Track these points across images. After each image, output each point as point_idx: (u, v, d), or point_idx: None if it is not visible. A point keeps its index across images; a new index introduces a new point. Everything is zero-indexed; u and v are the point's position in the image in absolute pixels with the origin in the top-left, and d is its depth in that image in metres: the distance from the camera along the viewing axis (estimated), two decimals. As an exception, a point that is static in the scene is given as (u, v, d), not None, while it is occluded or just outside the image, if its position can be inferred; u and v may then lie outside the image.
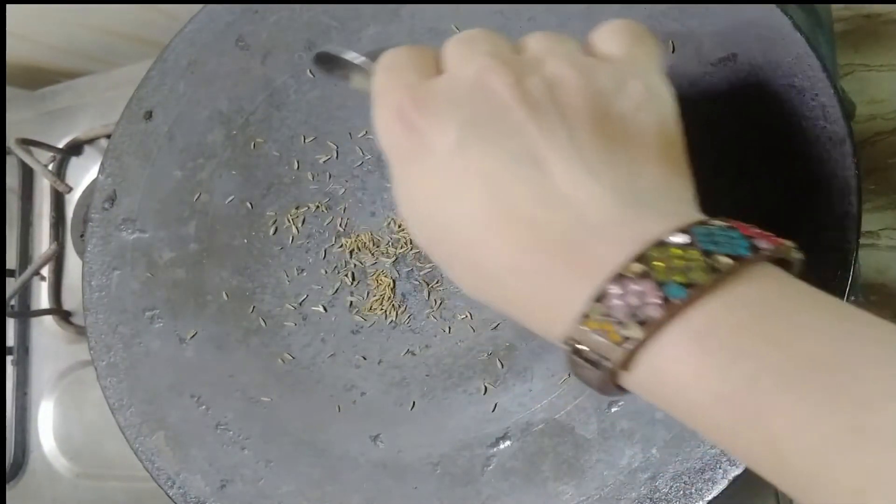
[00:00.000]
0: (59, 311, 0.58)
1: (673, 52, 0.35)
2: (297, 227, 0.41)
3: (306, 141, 0.42)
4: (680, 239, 0.19)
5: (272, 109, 0.43)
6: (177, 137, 0.45)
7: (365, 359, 0.38)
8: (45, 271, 0.58)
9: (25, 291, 0.59)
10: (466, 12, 0.39)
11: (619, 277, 0.19)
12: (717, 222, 0.20)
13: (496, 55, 0.23)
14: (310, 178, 0.42)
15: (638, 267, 0.19)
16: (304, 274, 0.41)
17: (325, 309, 0.40)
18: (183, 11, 0.49)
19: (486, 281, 0.22)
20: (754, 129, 0.33)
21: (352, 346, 0.39)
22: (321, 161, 0.41)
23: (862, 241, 0.31)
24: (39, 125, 0.62)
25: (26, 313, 0.59)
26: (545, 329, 0.22)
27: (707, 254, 0.19)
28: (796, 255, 0.21)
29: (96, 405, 0.54)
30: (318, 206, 0.41)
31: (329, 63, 0.36)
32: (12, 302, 0.58)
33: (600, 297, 0.19)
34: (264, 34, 0.44)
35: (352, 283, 0.40)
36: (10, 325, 0.59)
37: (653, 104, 0.23)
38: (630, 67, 0.23)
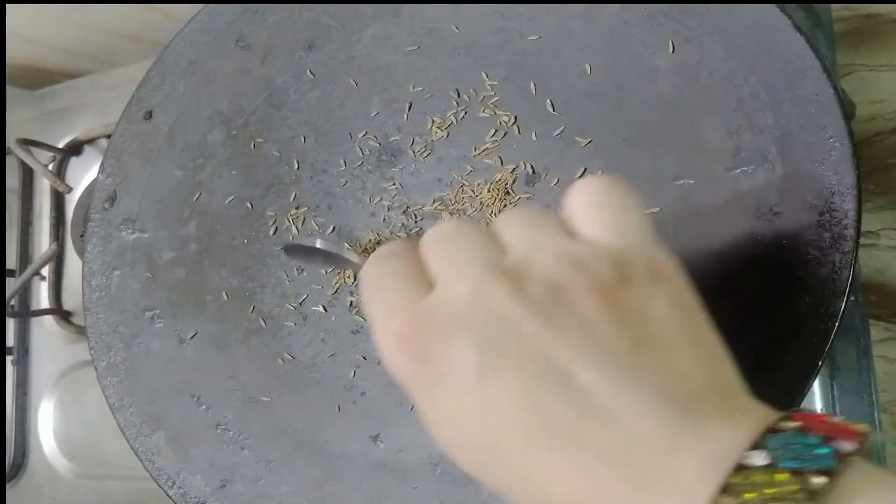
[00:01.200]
0: (59, 311, 0.58)
1: (673, 52, 0.35)
2: (297, 227, 0.41)
3: (306, 141, 0.42)
4: (759, 461, 0.18)
5: (272, 109, 0.43)
6: (177, 137, 0.45)
7: (365, 359, 0.38)
8: (45, 271, 0.59)
9: (25, 291, 0.59)
10: (466, 12, 0.39)
11: None
12: (787, 424, 0.19)
13: (484, 264, 0.21)
14: (310, 178, 0.42)
15: (730, 502, 0.17)
16: (304, 274, 0.41)
17: (325, 309, 0.40)
18: (183, 11, 0.49)
19: None
20: (754, 128, 0.33)
21: (352, 346, 0.39)
22: (321, 161, 0.41)
23: (862, 241, 0.31)
24: (39, 125, 0.62)
25: (26, 313, 0.59)
26: None
27: (796, 473, 0.17)
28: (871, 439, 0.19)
29: (96, 405, 0.54)
30: (318, 206, 0.41)
31: (301, 253, 0.37)
32: (12, 302, 0.58)
33: None
34: (264, 34, 0.44)
35: (352, 283, 0.40)
36: (10, 325, 0.59)
37: (665, 289, 0.21)
38: (625, 250, 0.22)
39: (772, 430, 0.18)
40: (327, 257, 0.35)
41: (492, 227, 0.24)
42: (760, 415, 0.19)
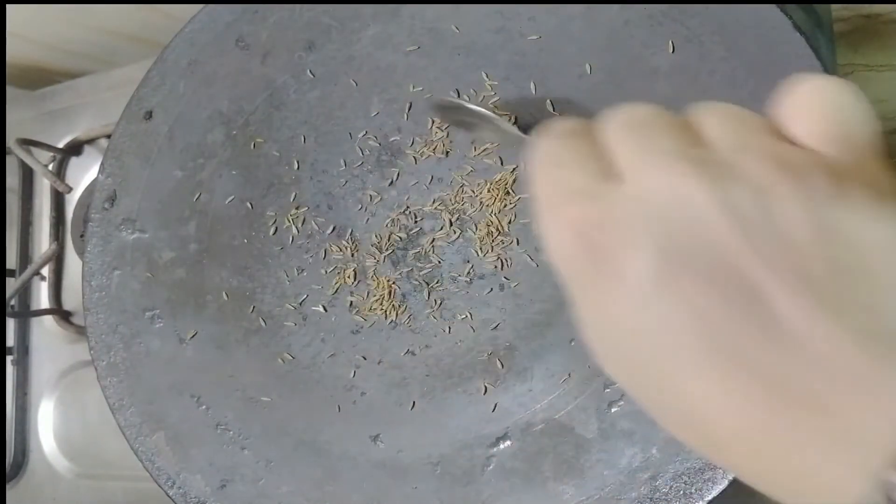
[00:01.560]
0: (59, 311, 0.58)
1: (673, 52, 0.35)
2: (297, 227, 0.41)
3: (306, 141, 0.42)
4: None
5: (272, 109, 0.43)
6: (177, 137, 0.45)
7: (365, 359, 0.38)
8: (45, 271, 0.58)
9: (25, 291, 0.59)
10: (466, 12, 0.39)
11: None
12: None
13: (684, 156, 0.19)
14: (310, 178, 0.42)
15: None
16: (304, 274, 0.41)
17: (325, 309, 0.40)
18: (183, 11, 0.49)
19: (704, 434, 0.19)
20: (754, 129, 0.33)
21: (352, 346, 0.39)
22: (321, 161, 0.41)
23: (862, 241, 0.31)
24: (39, 125, 0.62)
25: (26, 313, 0.59)
26: (791, 499, 0.18)
27: None
28: None
29: (96, 405, 0.54)
30: (318, 206, 0.41)
31: (451, 111, 0.35)
32: (12, 302, 0.58)
33: (880, 484, 0.16)
34: (264, 34, 0.44)
35: (352, 283, 0.40)
36: (10, 325, 0.59)
37: (884, 215, 0.18)
38: (851, 166, 0.19)
39: None
40: (481, 119, 0.33)
41: (690, 118, 0.21)
42: None
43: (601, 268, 0.19)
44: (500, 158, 0.37)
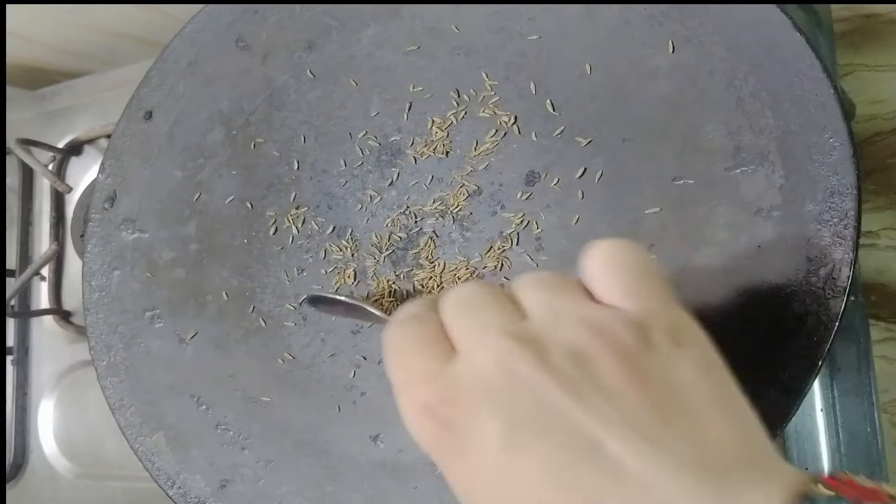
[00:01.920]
0: (59, 311, 0.58)
1: (673, 52, 0.35)
2: (297, 227, 0.41)
3: (306, 141, 0.42)
4: None
5: (272, 109, 0.43)
6: (177, 137, 0.45)
7: (365, 359, 0.38)
8: (45, 271, 0.58)
9: (25, 291, 0.59)
10: (466, 12, 0.39)
11: None
12: (819, 490, 0.19)
13: (506, 331, 0.21)
14: (310, 178, 0.42)
15: None
16: (304, 274, 0.41)
17: (325, 309, 0.40)
18: (183, 11, 0.49)
19: None
20: (754, 128, 0.33)
21: (352, 346, 0.39)
22: (321, 161, 0.41)
23: (862, 241, 0.31)
24: (39, 125, 0.62)
25: (26, 313, 0.59)
26: None
27: None
28: None
29: (96, 405, 0.54)
30: (318, 206, 0.41)
31: (324, 304, 0.38)
32: (12, 302, 0.58)
33: None
34: (264, 34, 0.44)
35: (352, 283, 0.40)
36: (10, 325, 0.59)
37: (688, 353, 0.21)
38: (647, 314, 0.22)
39: (806, 497, 0.18)
40: (350, 309, 0.36)
41: (510, 291, 0.24)
42: (793, 480, 0.19)
43: (456, 438, 0.21)
44: (500, 158, 0.38)
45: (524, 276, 0.24)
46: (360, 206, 0.40)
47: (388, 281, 0.39)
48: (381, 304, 0.39)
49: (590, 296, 0.23)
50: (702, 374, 0.21)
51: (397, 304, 0.38)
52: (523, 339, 0.21)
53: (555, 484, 0.19)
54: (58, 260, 0.59)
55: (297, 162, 0.42)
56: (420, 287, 0.38)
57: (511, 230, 0.37)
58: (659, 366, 0.20)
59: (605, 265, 0.23)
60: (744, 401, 0.21)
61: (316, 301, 0.38)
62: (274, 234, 0.42)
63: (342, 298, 0.36)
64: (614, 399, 0.20)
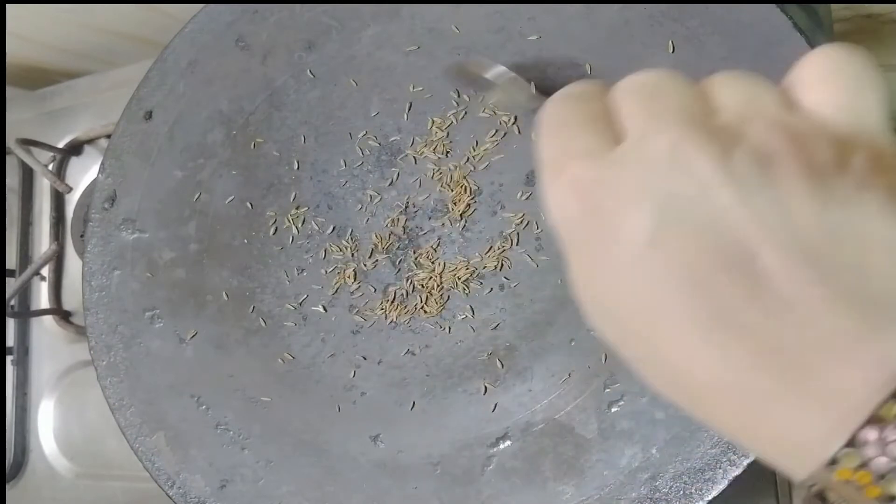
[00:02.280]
0: (59, 311, 0.58)
1: (673, 52, 0.35)
2: (297, 227, 0.41)
3: (306, 141, 0.42)
4: None
5: (272, 109, 0.43)
6: (177, 137, 0.45)
7: (365, 359, 0.38)
8: (45, 271, 0.58)
9: (25, 291, 0.59)
10: (466, 12, 0.39)
11: (877, 421, 0.16)
12: None
13: (690, 119, 0.19)
14: (310, 178, 0.42)
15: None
16: (304, 274, 0.41)
17: (325, 309, 0.40)
18: (183, 11, 0.49)
19: (689, 392, 0.19)
20: (754, 129, 0.33)
21: (352, 346, 0.39)
22: (321, 161, 0.41)
23: (862, 240, 0.31)
24: (39, 125, 0.62)
25: (26, 313, 0.59)
26: (769, 456, 0.19)
27: None
28: None
29: (96, 405, 0.54)
30: (318, 206, 0.41)
31: (469, 74, 0.34)
32: (12, 302, 0.58)
33: (853, 443, 0.17)
34: (264, 34, 0.44)
35: (352, 283, 0.40)
36: (10, 325, 0.59)
37: (882, 185, 0.19)
38: (853, 133, 0.19)
39: None
40: (501, 84, 0.32)
41: (703, 84, 0.21)
42: None
43: (599, 226, 0.19)
44: (500, 158, 0.38)
45: (720, 74, 0.21)
46: (360, 206, 0.40)
47: (388, 281, 0.39)
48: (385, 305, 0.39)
49: (795, 104, 0.20)
50: (887, 213, 0.18)
51: (396, 306, 0.39)
52: (709, 132, 0.19)
53: (690, 292, 0.18)
54: (58, 260, 0.59)
55: (297, 162, 0.42)
56: (420, 287, 0.38)
57: (511, 230, 0.37)
58: (847, 192, 0.18)
59: (823, 68, 0.20)
60: None
61: (460, 72, 0.34)
62: (274, 234, 0.42)
63: (493, 68, 0.31)
64: (787, 215, 0.18)
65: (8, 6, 0.56)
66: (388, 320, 0.38)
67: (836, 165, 0.18)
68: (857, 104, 0.20)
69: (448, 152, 0.39)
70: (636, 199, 0.19)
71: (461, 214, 0.38)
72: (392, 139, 0.40)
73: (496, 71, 0.32)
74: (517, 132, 0.37)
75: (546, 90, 0.33)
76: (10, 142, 0.57)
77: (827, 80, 0.20)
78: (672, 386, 0.20)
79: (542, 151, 0.21)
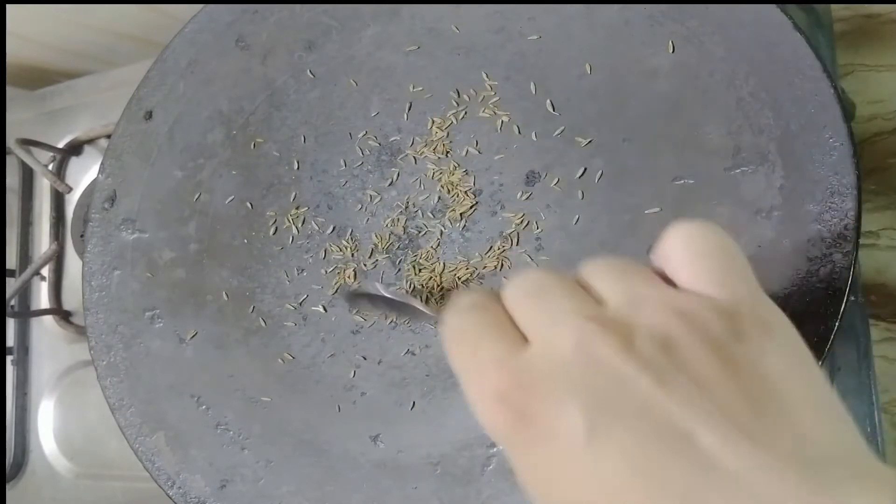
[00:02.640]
0: (59, 311, 0.58)
1: (673, 52, 0.35)
2: (297, 227, 0.41)
3: (306, 141, 0.42)
4: None
5: (272, 109, 0.43)
6: (177, 137, 0.45)
7: (365, 359, 0.38)
8: (45, 271, 0.58)
9: (25, 291, 0.59)
10: (466, 12, 0.39)
11: None
12: None
13: (584, 315, 0.20)
14: (310, 178, 0.42)
15: None
16: (304, 274, 0.41)
17: (325, 309, 0.40)
18: (183, 11, 0.49)
19: None
20: (754, 128, 0.33)
21: (352, 346, 0.39)
22: (321, 161, 0.41)
23: (862, 241, 0.31)
24: (39, 125, 0.62)
25: (26, 313, 0.59)
26: None
27: None
28: None
29: (96, 405, 0.54)
30: (318, 206, 0.41)
31: (363, 301, 0.36)
32: (12, 302, 0.58)
33: None
34: (264, 34, 0.44)
35: (352, 283, 0.40)
36: (10, 325, 0.59)
37: (779, 344, 0.20)
38: (735, 302, 0.20)
39: None
40: (392, 305, 0.34)
41: (580, 278, 0.22)
42: (892, 478, 0.18)
43: (531, 429, 0.20)
44: (500, 158, 0.38)
45: (589, 263, 0.22)
46: (360, 206, 0.40)
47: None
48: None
49: (669, 284, 0.21)
50: (793, 366, 0.20)
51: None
52: (605, 323, 0.20)
53: (642, 477, 0.18)
54: (58, 260, 0.59)
55: (297, 162, 0.42)
56: (420, 287, 0.38)
57: (511, 230, 0.37)
58: (750, 357, 0.19)
59: (688, 249, 0.22)
60: (835, 395, 0.20)
61: (354, 298, 0.37)
62: (274, 234, 0.42)
63: (386, 294, 0.33)
64: (706, 389, 0.18)
65: (8, 6, 0.56)
66: (388, 320, 0.38)
67: (732, 335, 0.19)
68: (728, 278, 0.21)
69: (448, 152, 0.39)
70: (561, 398, 0.19)
71: (461, 214, 0.38)
72: (392, 139, 0.40)
73: (389, 293, 0.34)
74: (517, 132, 0.37)
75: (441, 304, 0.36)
76: (10, 142, 0.57)
77: (694, 262, 0.21)
78: None
79: (455, 365, 0.22)
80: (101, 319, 0.44)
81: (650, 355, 0.19)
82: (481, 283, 0.37)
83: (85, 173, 0.59)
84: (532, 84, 0.37)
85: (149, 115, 0.46)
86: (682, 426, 0.18)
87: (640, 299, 0.20)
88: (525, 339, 0.21)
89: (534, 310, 0.21)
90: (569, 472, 0.19)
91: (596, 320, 0.20)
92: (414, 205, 0.39)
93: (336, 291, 0.40)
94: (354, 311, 0.39)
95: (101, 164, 0.46)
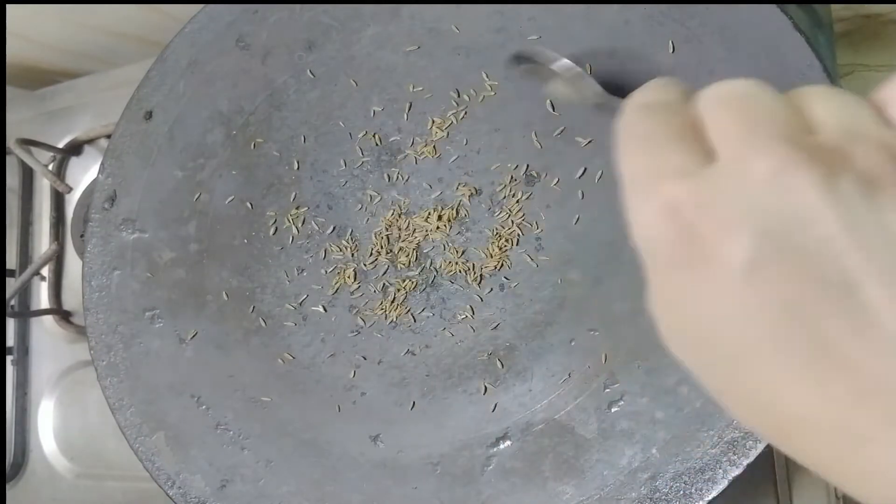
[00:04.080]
0: (59, 311, 0.58)
1: (673, 52, 0.35)
2: (297, 227, 0.41)
3: (306, 141, 0.42)
4: None
5: (272, 109, 0.43)
6: (177, 137, 0.45)
7: (365, 359, 0.38)
8: (45, 271, 0.58)
9: (25, 291, 0.59)
10: (466, 12, 0.39)
11: None
12: None
13: (790, 138, 0.18)
14: (310, 178, 0.42)
15: None
16: (304, 274, 0.41)
17: (324, 309, 0.40)
18: (183, 11, 0.49)
19: (778, 424, 0.19)
20: (754, 129, 0.33)
21: (352, 346, 0.39)
22: (321, 161, 0.41)
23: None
24: (39, 125, 0.62)
25: (26, 313, 0.59)
26: (857, 491, 0.18)
27: None
28: None
29: (96, 405, 0.54)
30: (318, 206, 0.41)
31: (529, 63, 0.33)
32: (12, 302, 0.58)
33: None
34: (264, 34, 0.44)
35: (352, 283, 0.40)
36: (10, 325, 0.59)
37: None
38: None
39: None
40: (564, 78, 0.31)
41: (794, 97, 0.20)
42: None
43: (691, 249, 0.18)
44: (500, 158, 0.37)
45: (811, 87, 0.20)
46: (360, 206, 0.40)
47: (388, 281, 0.39)
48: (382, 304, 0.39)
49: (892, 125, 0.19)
50: None
51: (396, 306, 0.39)
52: (813, 155, 0.17)
53: (788, 323, 0.17)
54: (58, 260, 0.59)
55: (297, 162, 0.42)
56: (422, 284, 0.38)
57: (511, 230, 0.37)
58: None
59: None
60: None
61: (521, 59, 0.33)
62: (274, 234, 0.42)
63: (556, 62, 0.30)
64: (893, 249, 0.17)
65: (8, 6, 0.56)
66: (388, 320, 0.38)
67: None
68: None
69: (448, 152, 0.39)
70: (735, 223, 0.18)
71: (461, 214, 0.38)
72: (392, 139, 0.40)
73: (561, 64, 0.31)
74: (517, 132, 0.37)
75: (611, 88, 0.32)
76: (10, 142, 0.57)
77: None
78: (759, 417, 0.19)
79: (627, 166, 0.20)
80: (101, 319, 0.44)
81: (850, 199, 0.17)
82: (481, 283, 0.37)
83: (85, 173, 0.59)
84: (532, 84, 0.37)
85: (149, 115, 0.46)
86: (855, 278, 0.17)
87: (856, 134, 0.18)
88: (713, 152, 0.19)
89: (734, 123, 0.19)
90: (709, 303, 0.18)
91: (803, 148, 0.18)
92: (414, 205, 0.39)
93: (336, 291, 0.40)
94: (520, 68, 0.35)
95: (101, 164, 0.46)
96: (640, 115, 0.21)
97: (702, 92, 0.20)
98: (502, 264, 0.37)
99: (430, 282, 0.38)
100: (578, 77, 0.31)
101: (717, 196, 0.18)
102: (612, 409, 0.33)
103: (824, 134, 0.18)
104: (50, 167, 0.58)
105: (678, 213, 0.18)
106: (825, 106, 0.19)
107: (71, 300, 0.58)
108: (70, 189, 0.57)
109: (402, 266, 0.39)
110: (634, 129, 0.21)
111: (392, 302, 0.38)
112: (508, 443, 0.35)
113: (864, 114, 0.19)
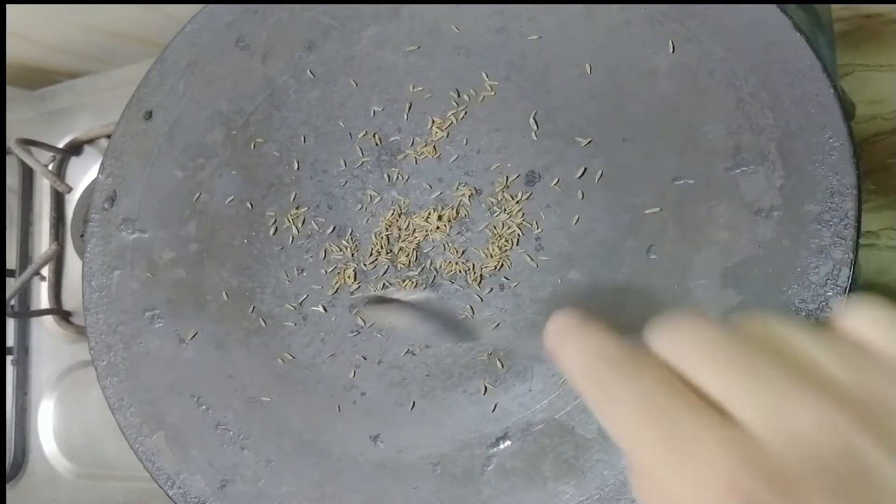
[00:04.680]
0: (59, 311, 0.58)
1: (673, 52, 0.35)
2: (297, 227, 0.41)
3: (306, 141, 0.42)
4: None
5: (272, 109, 0.43)
6: (177, 137, 0.45)
7: (365, 359, 0.38)
8: (45, 271, 0.58)
9: (25, 291, 0.59)
10: (466, 12, 0.39)
11: None
12: None
13: (822, 387, 0.17)
14: (310, 178, 0.42)
15: None
16: (304, 274, 0.41)
17: (324, 309, 0.40)
18: (183, 11, 0.49)
19: None
20: (754, 128, 0.33)
21: (352, 346, 0.39)
22: (321, 161, 0.41)
23: (862, 241, 0.31)
24: (39, 125, 0.62)
25: (26, 313, 0.59)
26: None
27: None
28: None
29: (96, 405, 0.54)
30: (318, 206, 0.41)
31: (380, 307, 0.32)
32: (12, 302, 0.58)
33: None
34: (264, 34, 0.44)
35: (352, 283, 0.40)
36: (10, 325, 0.59)
37: None
38: None
39: None
40: (423, 314, 0.29)
41: (753, 333, 0.19)
42: None
43: None
44: (500, 158, 0.37)
45: (762, 321, 0.20)
46: (360, 206, 0.40)
47: (388, 281, 0.39)
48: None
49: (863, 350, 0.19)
50: None
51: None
52: (847, 400, 0.17)
53: None
54: (58, 260, 0.59)
55: (297, 162, 0.42)
56: (422, 284, 0.38)
57: (511, 230, 0.37)
58: None
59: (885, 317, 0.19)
60: None
61: (374, 305, 0.33)
62: (274, 234, 0.42)
63: (404, 300, 0.29)
64: None
65: (8, 6, 0.56)
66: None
67: None
68: None
69: (448, 152, 0.39)
70: (816, 498, 0.16)
71: (461, 214, 0.38)
72: (392, 139, 0.40)
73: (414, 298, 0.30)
74: (517, 132, 0.37)
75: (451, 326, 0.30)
76: (10, 142, 0.57)
77: None
78: None
79: (636, 439, 0.18)
80: (101, 319, 0.44)
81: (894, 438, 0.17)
82: (481, 283, 0.37)
83: (85, 173, 0.59)
84: (532, 84, 0.37)
85: (149, 115, 0.46)
86: None
87: (864, 369, 0.18)
88: (719, 405, 0.18)
89: (739, 373, 0.18)
90: None
91: (837, 394, 0.17)
92: (414, 205, 0.39)
93: (336, 291, 0.40)
94: (369, 325, 0.36)
95: (101, 164, 0.46)
96: (613, 374, 0.19)
97: (653, 339, 0.19)
98: (502, 264, 0.37)
99: (430, 282, 0.38)
100: (439, 312, 0.29)
101: (786, 472, 0.17)
102: (612, 409, 0.33)
103: (834, 374, 0.18)
104: (50, 167, 0.58)
105: (751, 498, 0.16)
106: (803, 340, 0.19)
107: (71, 300, 0.58)
108: (70, 189, 0.57)
109: (402, 266, 0.39)
110: (619, 394, 0.19)
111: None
112: (508, 443, 0.35)
113: (850, 345, 0.18)
